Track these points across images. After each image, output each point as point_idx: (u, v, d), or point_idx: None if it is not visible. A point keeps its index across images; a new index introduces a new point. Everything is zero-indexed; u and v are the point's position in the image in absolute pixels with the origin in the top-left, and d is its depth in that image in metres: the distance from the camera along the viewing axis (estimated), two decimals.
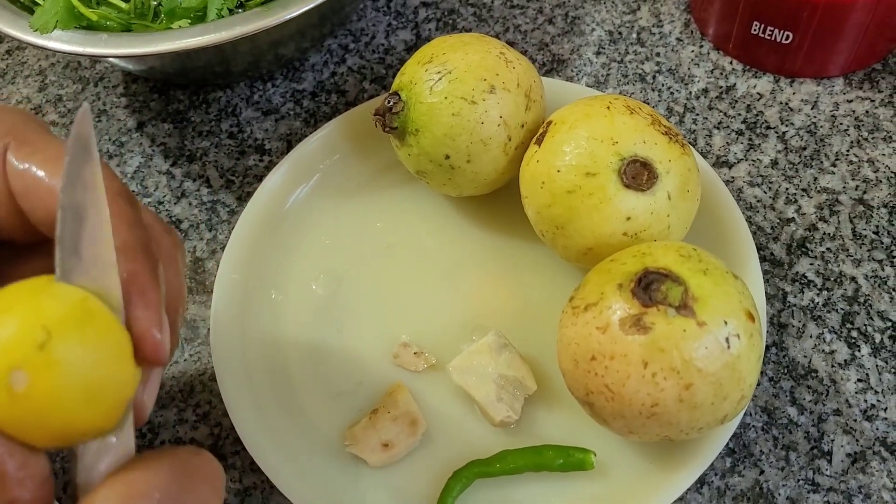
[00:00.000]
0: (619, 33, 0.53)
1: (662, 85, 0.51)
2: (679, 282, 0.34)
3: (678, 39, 0.53)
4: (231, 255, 0.45)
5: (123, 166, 0.52)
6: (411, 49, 0.54)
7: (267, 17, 0.43)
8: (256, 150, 0.51)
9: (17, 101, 0.56)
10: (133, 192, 0.50)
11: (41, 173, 0.29)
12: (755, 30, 0.49)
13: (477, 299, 0.44)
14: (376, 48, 0.55)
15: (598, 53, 0.53)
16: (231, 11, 0.45)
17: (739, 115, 0.49)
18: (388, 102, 0.43)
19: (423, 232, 0.46)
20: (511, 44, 0.54)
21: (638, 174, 0.38)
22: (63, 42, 0.44)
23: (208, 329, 0.45)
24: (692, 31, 0.53)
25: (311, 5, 0.44)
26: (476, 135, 0.41)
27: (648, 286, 0.34)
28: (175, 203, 0.50)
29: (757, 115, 0.49)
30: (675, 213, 0.39)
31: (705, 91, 0.50)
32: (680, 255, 0.35)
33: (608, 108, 0.40)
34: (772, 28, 0.48)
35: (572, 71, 0.52)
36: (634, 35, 0.53)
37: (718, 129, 0.49)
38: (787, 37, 0.48)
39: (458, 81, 0.41)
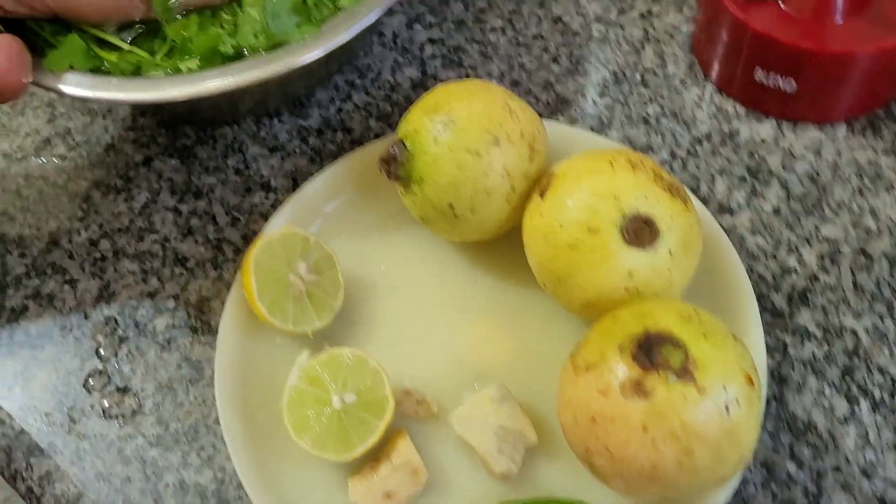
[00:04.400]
0: (623, 74, 0.54)
1: (666, 128, 0.51)
2: (679, 346, 0.34)
3: (682, 81, 0.53)
4: (237, 295, 0.45)
5: (131, 202, 0.52)
6: (417, 87, 0.55)
7: (277, 63, 0.43)
8: (262, 187, 0.52)
9: (25, 133, 0.56)
10: (139, 227, 0.51)
11: None
12: (758, 76, 0.49)
13: (479, 345, 0.44)
14: (382, 84, 0.55)
15: (601, 94, 0.53)
16: (238, 54, 0.45)
17: (742, 160, 0.49)
18: (393, 150, 0.43)
19: (426, 276, 0.47)
20: (515, 83, 0.54)
21: (640, 230, 0.38)
22: (73, 86, 0.44)
23: (213, 370, 0.46)
24: (696, 74, 0.53)
25: (327, 50, 0.44)
26: (480, 185, 0.42)
27: (649, 350, 0.34)
28: (181, 240, 0.50)
29: (760, 161, 0.49)
30: (677, 269, 0.39)
31: (708, 136, 0.51)
32: (680, 317, 0.36)
33: (611, 163, 0.40)
34: (775, 75, 0.48)
35: (576, 112, 0.52)
36: (638, 76, 0.53)
37: (721, 174, 0.49)
38: (791, 83, 0.48)
39: (462, 133, 0.42)
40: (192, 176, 0.53)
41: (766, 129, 0.50)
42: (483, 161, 0.41)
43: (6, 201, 0.53)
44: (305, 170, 0.52)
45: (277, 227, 0.47)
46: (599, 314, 0.39)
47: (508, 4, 0.58)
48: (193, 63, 0.45)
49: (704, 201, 0.48)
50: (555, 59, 0.55)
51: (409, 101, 0.54)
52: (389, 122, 0.53)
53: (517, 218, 0.43)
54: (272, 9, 0.43)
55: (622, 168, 0.40)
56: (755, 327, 0.41)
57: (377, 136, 0.53)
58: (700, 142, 0.50)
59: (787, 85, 0.48)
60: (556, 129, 0.48)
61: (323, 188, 0.48)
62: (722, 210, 0.48)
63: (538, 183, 0.43)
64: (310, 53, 0.43)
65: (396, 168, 0.43)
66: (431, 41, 0.57)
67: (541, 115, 0.52)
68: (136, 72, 0.45)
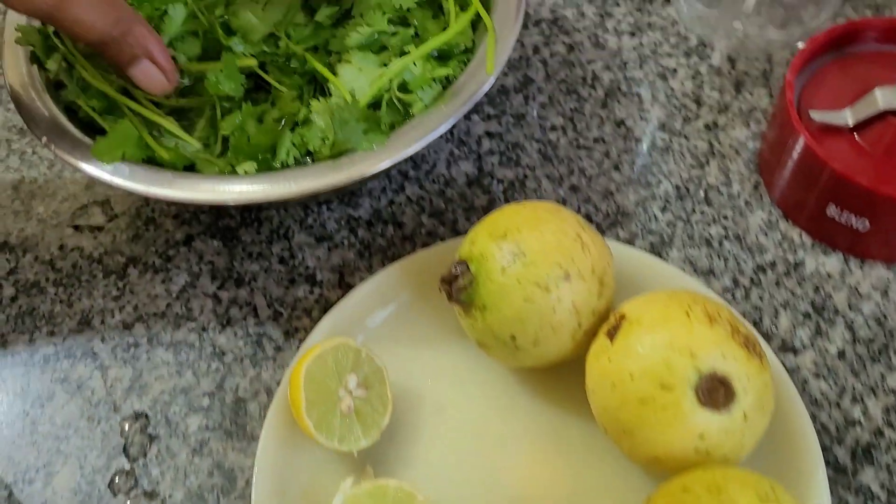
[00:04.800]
0: (687, 189, 0.52)
1: (728, 252, 0.49)
2: None
3: (747, 203, 0.51)
4: (280, 404, 0.43)
5: (169, 283, 0.50)
6: (472, 184, 0.53)
7: (340, 173, 0.42)
8: (307, 279, 0.50)
9: (62, 198, 0.54)
10: (176, 313, 0.49)
11: None
12: (830, 211, 0.47)
13: (530, 480, 0.42)
14: (437, 178, 0.53)
15: (663, 209, 0.51)
16: (297, 160, 0.44)
17: (807, 295, 0.48)
18: (456, 271, 0.42)
19: (476, 397, 0.45)
20: (574, 189, 0.52)
21: (715, 391, 0.37)
22: (124, 178, 0.42)
23: (247, 480, 0.44)
24: (761, 195, 0.52)
25: (393, 162, 0.42)
26: (546, 321, 0.40)
27: None
28: (220, 331, 0.48)
29: (825, 297, 0.48)
30: (749, 431, 0.37)
31: (772, 264, 0.49)
32: (758, 497, 0.34)
33: (687, 313, 0.38)
34: (848, 213, 0.47)
35: (636, 226, 0.51)
36: (702, 193, 0.52)
37: (785, 308, 0.47)
38: (864, 223, 0.47)
39: (532, 266, 0.40)
40: (234, 261, 0.51)
41: (832, 262, 0.49)
42: (552, 296, 0.40)
43: (38, 271, 0.51)
44: (353, 264, 0.50)
45: (323, 332, 0.45)
46: (664, 471, 0.38)
47: (570, 101, 0.56)
48: (251, 165, 0.43)
49: (767, 337, 0.47)
50: (616, 167, 0.53)
51: (464, 199, 0.52)
52: (442, 219, 0.52)
53: (580, 352, 0.42)
54: (340, 116, 0.42)
55: (699, 320, 0.38)
56: (821, 488, 0.39)
57: (429, 233, 0.51)
58: (764, 270, 0.49)
59: (860, 224, 0.47)
60: (619, 250, 0.46)
61: (372, 294, 0.46)
62: (785, 348, 0.46)
63: (605, 320, 0.41)
64: (376, 165, 0.42)
65: (458, 292, 0.41)
66: (489, 135, 0.55)
67: (599, 227, 0.51)
68: (190, 167, 0.44)
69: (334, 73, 0.46)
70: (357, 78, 0.45)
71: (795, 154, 0.48)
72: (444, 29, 0.49)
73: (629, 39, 0.59)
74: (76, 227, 0.53)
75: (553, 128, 0.55)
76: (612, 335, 0.39)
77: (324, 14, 0.49)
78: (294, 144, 0.43)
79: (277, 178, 0.42)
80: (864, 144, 0.48)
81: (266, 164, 0.43)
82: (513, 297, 0.40)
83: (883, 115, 0.47)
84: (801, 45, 0.55)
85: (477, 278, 0.41)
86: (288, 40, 0.47)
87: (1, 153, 0.56)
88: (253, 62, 0.47)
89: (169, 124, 0.44)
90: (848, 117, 0.48)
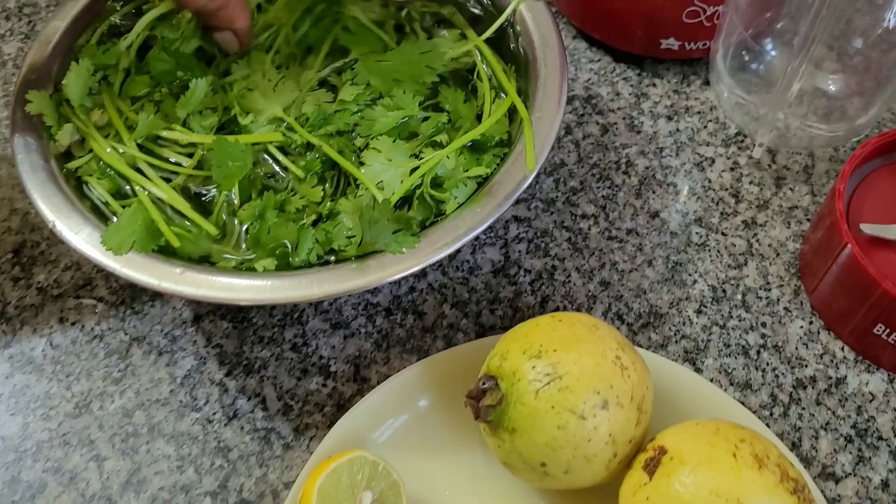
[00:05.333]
0: (724, 291, 0.49)
1: (766, 363, 0.47)
2: None
3: (786, 309, 0.49)
4: None
5: (173, 367, 0.47)
6: (497, 273, 0.50)
7: (363, 278, 0.39)
8: (320, 370, 0.47)
9: (64, 266, 0.51)
10: (180, 401, 0.46)
11: None
12: (878, 330, 0.45)
13: None
14: (460, 264, 0.51)
15: (699, 312, 0.49)
16: (320, 258, 0.41)
17: (849, 416, 0.45)
18: (484, 386, 0.39)
19: None
20: (605, 284, 0.50)
21: None
22: (134, 269, 0.40)
23: None
24: (802, 302, 0.49)
25: (421, 267, 0.40)
26: (580, 451, 0.37)
27: None
28: (225, 424, 0.45)
29: (868, 420, 0.45)
30: None
31: (813, 380, 0.46)
32: None
33: (734, 454, 0.36)
34: None
35: (670, 329, 0.48)
36: (739, 296, 0.49)
37: (826, 430, 0.45)
38: None
39: (568, 391, 0.37)
40: (244, 345, 0.48)
41: (876, 381, 0.46)
42: (587, 424, 0.37)
43: (35, 346, 0.48)
44: (369, 355, 0.48)
45: (336, 438, 0.42)
46: None
47: (602, 188, 0.54)
48: (271, 262, 0.40)
49: (806, 461, 0.44)
50: (650, 263, 0.51)
51: (489, 290, 0.50)
52: (465, 311, 0.49)
53: (612, 479, 0.39)
54: (370, 216, 0.39)
55: (747, 464, 0.35)
56: None
57: (450, 325, 0.48)
58: (804, 386, 0.46)
59: None
60: (653, 362, 0.43)
61: (389, 398, 0.43)
62: (825, 475, 0.44)
63: (643, 449, 0.38)
64: (404, 270, 0.39)
65: (486, 411, 0.38)
66: (517, 219, 0.52)
67: (631, 328, 0.48)
68: (205, 257, 0.41)
69: (361, 161, 0.44)
70: (386, 170, 0.42)
71: (842, 264, 0.46)
72: (478, 114, 0.47)
73: (665, 123, 0.56)
74: (78, 298, 0.50)
75: (584, 216, 0.52)
76: (651, 470, 0.37)
77: (348, 93, 0.46)
78: (317, 241, 0.40)
79: (299, 280, 0.39)
80: None
81: (285, 258, 0.41)
82: (545, 424, 0.37)
83: None
84: (847, 140, 0.53)
85: (507, 397, 0.38)
86: (301, 128, 0.44)
87: (3, 212, 0.53)
88: (276, 137, 0.44)
89: (184, 208, 0.42)
90: None
